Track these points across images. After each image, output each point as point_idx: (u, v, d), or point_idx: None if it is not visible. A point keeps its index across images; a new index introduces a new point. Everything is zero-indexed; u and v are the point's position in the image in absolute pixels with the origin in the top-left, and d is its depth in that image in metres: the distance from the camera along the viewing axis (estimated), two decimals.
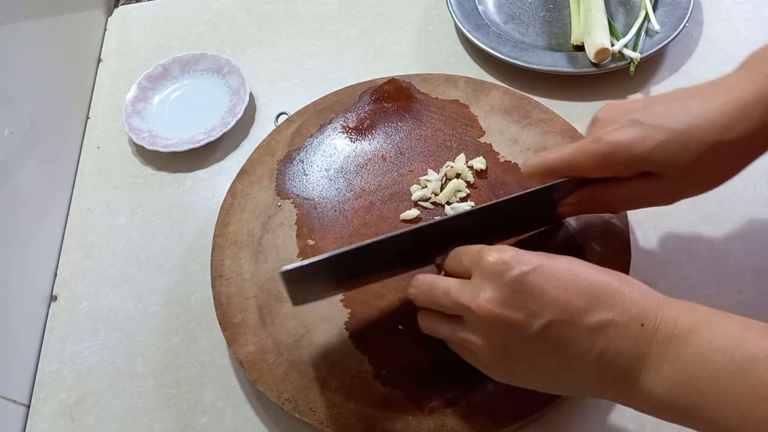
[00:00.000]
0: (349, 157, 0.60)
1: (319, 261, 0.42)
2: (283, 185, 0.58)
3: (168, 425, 0.51)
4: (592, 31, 0.64)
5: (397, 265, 0.46)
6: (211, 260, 0.54)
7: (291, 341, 0.49)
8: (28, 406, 0.53)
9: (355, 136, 0.61)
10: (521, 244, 0.41)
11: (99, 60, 0.77)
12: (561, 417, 0.47)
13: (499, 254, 0.38)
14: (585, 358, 0.35)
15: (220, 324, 0.51)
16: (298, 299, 0.44)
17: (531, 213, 0.48)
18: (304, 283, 0.43)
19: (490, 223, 0.46)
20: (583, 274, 0.36)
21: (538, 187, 0.45)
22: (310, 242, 0.55)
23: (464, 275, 0.40)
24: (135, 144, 0.67)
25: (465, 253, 0.41)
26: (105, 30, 0.81)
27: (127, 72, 0.75)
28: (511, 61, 0.66)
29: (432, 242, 0.44)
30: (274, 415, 0.50)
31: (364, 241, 0.42)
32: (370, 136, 0.61)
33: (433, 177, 0.56)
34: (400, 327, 0.49)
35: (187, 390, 0.52)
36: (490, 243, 0.42)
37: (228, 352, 0.53)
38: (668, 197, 0.43)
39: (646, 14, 0.66)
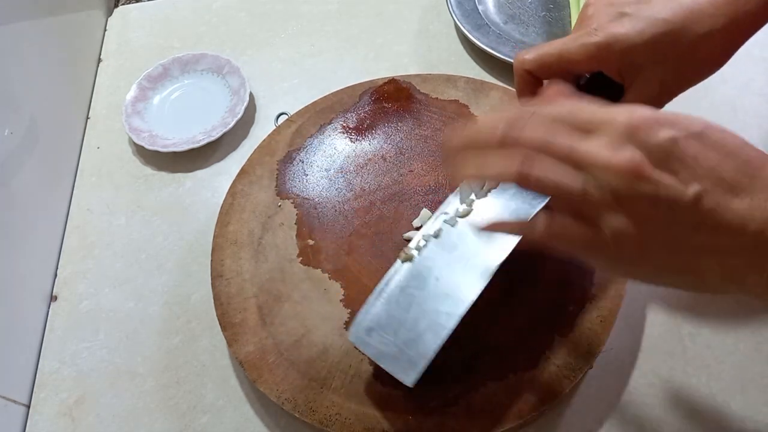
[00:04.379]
0: (349, 157, 0.60)
1: None
2: (283, 185, 0.58)
3: (168, 425, 0.51)
4: None
5: None
6: (211, 260, 0.54)
7: (291, 341, 0.49)
8: (28, 406, 0.53)
9: (355, 136, 0.61)
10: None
11: (99, 60, 0.77)
12: (561, 417, 0.48)
13: (638, 110, 0.31)
14: (732, 240, 0.30)
15: (220, 324, 0.51)
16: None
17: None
18: None
19: None
20: (737, 150, 0.31)
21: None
22: (310, 242, 0.55)
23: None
24: (135, 144, 0.67)
25: (578, 108, 0.33)
26: (105, 30, 0.81)
27: (127, 72, 0.75)
28: (511, 61, 0.66)
29: None
30: (274, 415, 0.50)
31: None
32: (370, 136, 0.61)
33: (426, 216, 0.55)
34: None
35: (187, 390, 0.52)
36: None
37: (228, 352, 0.53)
38: (658, 97, 0.42)
39: None
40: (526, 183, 0.32)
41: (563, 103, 0.34)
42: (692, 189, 0.30)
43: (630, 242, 0.31)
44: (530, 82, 0.43)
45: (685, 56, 0.40)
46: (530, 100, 0.42)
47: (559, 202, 0.34)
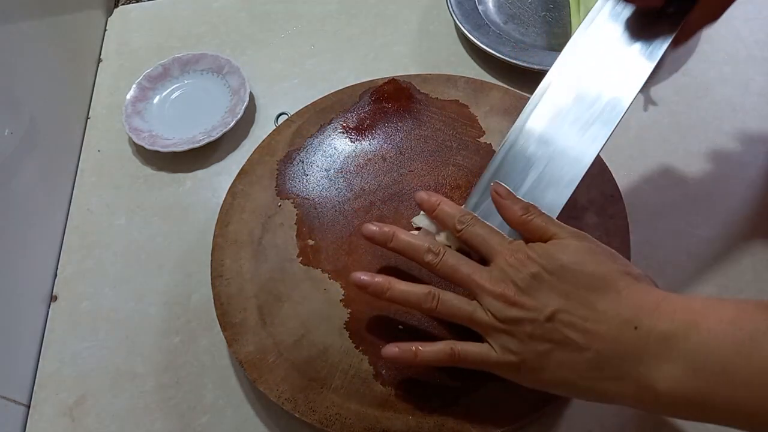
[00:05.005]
0: (349, 157, 0.60)
1: None
2: (283, 185, 0.58)
3: (168, 425, 0.51)
4: None
5: None
6: (211, 260, 0.54)
7: (291, 341, 0.49)
8: (28, 406, 0.53)
9: (355, 137, 0.61)
10: None
11: (99, 60, 0.77)
12: (561, 417, 0.48)
13: (517, 252, 0.41)
14: (583, 358, 0.37)
15: (220, 324, 0.51)
16: None
17: None
18: None
19: None
20: (587, 269, 0.39)
21: None
22: (310, 242, 0.55)
23: (479, 252, 0.43)
24: (135, 144, 0.67)
25: (489, 235, 0.43)
26: (105, 30, 0.81)
27: (127, 72, 0.75)
28: (511, 61, 0.66)
29: None
30: (274, 415, 0.50)
31: None
32: (370, 137, 0.61)
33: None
34: (400, 327, 0.49)
35: (187, 390, 0.52)
36: None
37: (228, 352, 0.53)
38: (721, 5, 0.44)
39: None
40: (432, 314, 0.43)
41: (488, 230, 0.43)
42: (548, 309, 0.38)
43: (513, 356, 0.39)
44: None
45: None
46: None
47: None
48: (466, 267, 0.42)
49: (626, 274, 0.39)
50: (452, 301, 0.42)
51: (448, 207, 0.46)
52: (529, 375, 0.40)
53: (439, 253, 0.43)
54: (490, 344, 0.41)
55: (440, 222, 0.46)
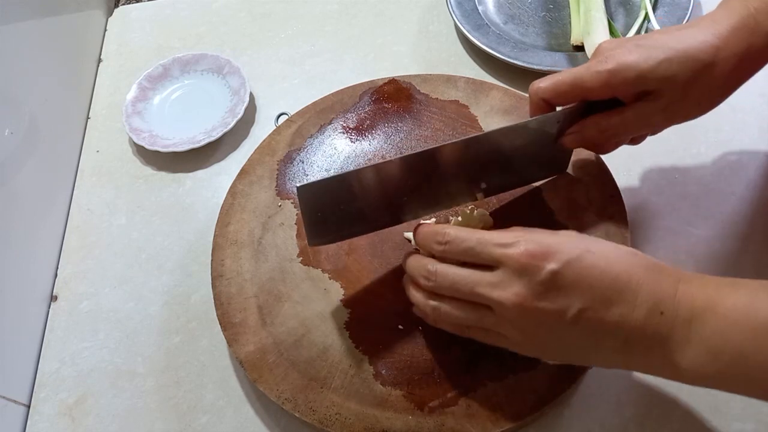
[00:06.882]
0: (349, 157, 0.60)
1: (334, 176, 0.45)
2: (284, 185, 0.58)
3: (168, 425, 0.51)
4: (592, 31, 0.64)
5: (402, 202, 0.48)
6: (212, 260, 0.54)
7: (291, 341, 0.49)
8: (28, 406, 0.53)
9: (355, 137, 0.61)
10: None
11: (99, 60, 0.77)
12: (561, 417, 0.48)
13: (526, 247, 0.38)
14: (612, 342, 0.38)
15: (220, 324, 0.51)
16: (314, 236, 0.47)
17: (533, 150, 0.49)
18: (320, 212, 0.45)
19: (491, 157, 0.48)
20: (607, 269, 0.38)
21: (543, 116, 0.47)
22: None
23: (477, 263, 0.41)
24: (135, 144, 0.67)
25: (481, 245, 0.40)
26: (105, 30, 0.81)
27: (127, 72, 0.75)
28: (511, 61, 0.66)
29: (438, 171, 0.46)
30: (274, 415, 0.50)
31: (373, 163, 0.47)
32: (370, 137, 0.61)
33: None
34: (400, 327, 0.49)
35: (187, 390, 0.52)
36: (488, 183, 0.49)
37: (228, 352, 0.53)
38: (664, 119, 0.45)
39: (646, 14, 0.66)
40: (435, 324, 0.43)
41: (476, 240, 0.40)
42: (572, 311, 0.37)
43: (529, 345, 0.40)
44: (543, 107, 0.47)
45: (690, 81, 0.43)
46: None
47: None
48: (466, 279, 0.40)
49: (635, 255, 0.39)
50: (454, 312, 0.41)
51: (425, 228, 0.44)
52: (551, 357, 0.43)
53: (435, 272, 0.41)
54: (506, 336, 0.40)
55: (423, 246, 0.44)
